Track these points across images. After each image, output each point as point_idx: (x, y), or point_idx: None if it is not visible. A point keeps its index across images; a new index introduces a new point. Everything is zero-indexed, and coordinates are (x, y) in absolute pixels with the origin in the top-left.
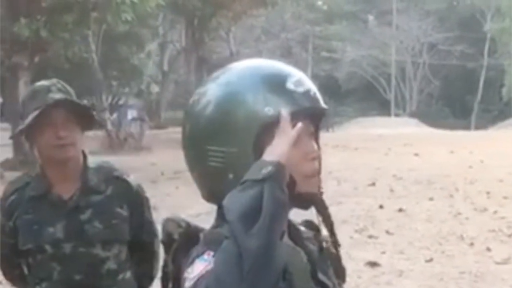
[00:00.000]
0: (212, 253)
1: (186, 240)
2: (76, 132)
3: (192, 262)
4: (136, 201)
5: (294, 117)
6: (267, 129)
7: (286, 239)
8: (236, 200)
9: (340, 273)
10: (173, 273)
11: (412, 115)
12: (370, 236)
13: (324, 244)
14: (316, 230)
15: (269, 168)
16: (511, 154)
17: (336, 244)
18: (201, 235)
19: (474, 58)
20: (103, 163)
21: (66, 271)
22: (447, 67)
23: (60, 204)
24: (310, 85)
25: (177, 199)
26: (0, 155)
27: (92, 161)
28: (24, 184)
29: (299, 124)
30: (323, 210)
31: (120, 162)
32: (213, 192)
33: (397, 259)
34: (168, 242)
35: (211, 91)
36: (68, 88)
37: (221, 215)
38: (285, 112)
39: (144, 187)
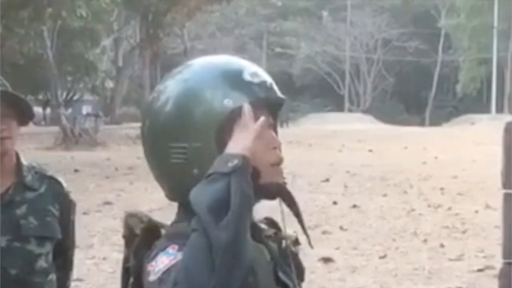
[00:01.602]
0: (176, 247)
1: (147, 235)
2: (13, 125)
3: (155, 256)
4: (66, 204)
5: (253, 108)
6: (229, 122)
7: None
8: (204, 193)
9: (300, 272)
10: (135, 268)
11: (366, 111)
12: (324, 232)
13: (284, 243)
14: (277, 228)
15: (235, 162)
16: (465, 150)
17: (297, 241)
18: (163, 230)
19: (428, 54)
20: (33, 162)
21: (2, 265)
22: (402, 63)
23: None
24: (266, 76)
25: (131, 194)
26: None
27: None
28: None
29: (262, 118)
30: (289, 199)
31: (75, 157)
32: (177, 189)
33: (351, 255)
34: (129, 237)
35: (170, 88)
36: (4, 81)
37: (183, 211)
38: (247, 105)
39: (99, 183)
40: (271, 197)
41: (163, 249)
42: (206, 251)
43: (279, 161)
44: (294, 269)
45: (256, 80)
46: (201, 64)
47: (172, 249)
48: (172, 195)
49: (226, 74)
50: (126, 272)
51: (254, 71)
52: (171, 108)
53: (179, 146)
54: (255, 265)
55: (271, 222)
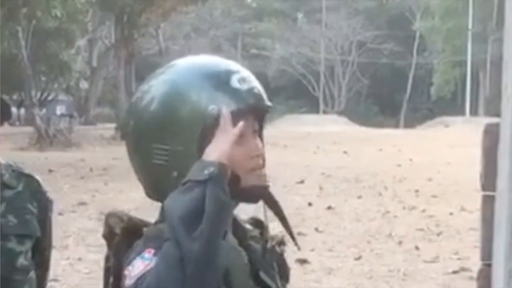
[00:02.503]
0: (153, 251)
1: (127, 235)
2: None
3: (132, 260)
4: (44, 202)
5: (239, 115)
6: (212, 128)
7: (230, 236)
8: (178, 202)
9: (284, 273)
10: (115, 267)
11: (341, 113)
12: (299, 234)
13: (269, 244)
14: (262, 228)
15: (211, 169)
16: (439, 153)
17: (282, 242)
18: (145, 229)
19: (403, 57)
20: (10, 161)
21: None
22: (376, 65)
23: None
24: (255, 83)
25: (106, 195)
26: None
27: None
28: None
29: (241, 123)
30: (271, 203)
31: (49, 158)
32: (156, 189)
33: (326, 257)
34: (109, 236)
35: (155, 88)
36: None
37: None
38: (226, 110)
39: (73, 183)
40: (253, 200)
41: (140, 253)
42: (178, 261)
43: (259, 167)
44: (278, 270)
45: (244, 86)
46: (187, 64)
47: (148, 254)
48: (152, 194)
49: (213, 78)
50: (107, 271)
51: (242, 76)
52: (155, 108)
53: (161, 148)
54: (231, 268)
55: (257, 222)
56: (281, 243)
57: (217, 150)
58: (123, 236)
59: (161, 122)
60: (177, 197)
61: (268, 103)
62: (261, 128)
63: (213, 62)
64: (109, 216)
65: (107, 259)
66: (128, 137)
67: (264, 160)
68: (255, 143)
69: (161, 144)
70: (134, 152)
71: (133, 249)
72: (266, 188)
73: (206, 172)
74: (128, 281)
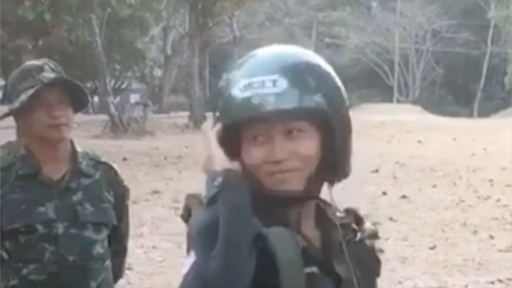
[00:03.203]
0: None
1: None
2: (69, 112)
3: (189, 250)
4: (121, 190)
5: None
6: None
7: (310, 223)
8: (197, 220)
9: (371, 267)
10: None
11: (415, 102)
12: (374, 223)
13: (359, 235)
14: (358, 220)
15: (219, 179)
16: None
17: (374, 235)
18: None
19: (477, 46)
20: (87, 149)
21: (60, 252)
22: (451, 54)
23: (51, 184)
24: (263, 89)
25: (180, 183)
26: (3, 138)
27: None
28: (9, 164)
29: (216, 127)
30: (296, 207)
31: (123, 146)
32: None
33: (401, 246)
34: (187, 218)
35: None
36: (59, 67)
37: None
38: (206, 124)
39: (147, 172)
40: (280, 205)
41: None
42: (200, 283)
43: (278, 171)
44: (364, 263)
45: (245, 94)
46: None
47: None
48: None
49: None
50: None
51: (249, 83)
52: None
53: None
54: (279, 253)
55: (352, 213)
56: (373, 236)
57: (216, 158)
58: None
59: None
60: (197, 215)
61: (270, 109)
62: (291, 130)
63: (293, 53)
64: (188, 197)
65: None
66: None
67: (290, 164)
68: (271, 149)
69: None
70: None
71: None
72: (284, 192)
73: (216, 183)
74: (183, 270)
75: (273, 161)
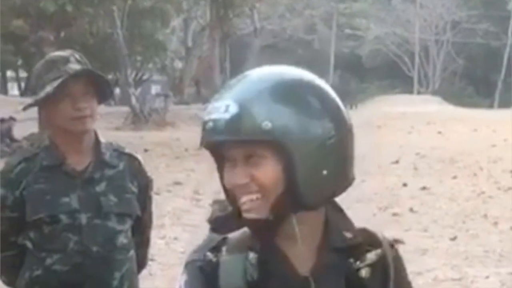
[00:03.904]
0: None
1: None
2: (93, 104)
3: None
4: (144, 181)
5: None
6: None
7: (309, 242)
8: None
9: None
10: None
11: (435, 93)
12: (394, 214)
13: (358, 263)
14: (372, 240)
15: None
16: None
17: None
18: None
19: (498, 37)
20: (111, 140)
21: (83, 242)
22: (471, 45)
23: (75, 175)
24: (217, 114)
25: (201, 175)
26: (26, 129)
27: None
28: (33, 155)
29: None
30: (268, 233)
31: (144, 137)
32: None
33: (421, 237)
34: (211, 222)
35: None
36: (84, 59)
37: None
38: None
39: (169, 163)
40: (252, 232)
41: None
42: None
43: (238, 198)
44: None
45: (205, 118)
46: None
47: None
48: None
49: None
50: None
51: (210, 106)
52: None
53: None
54: None
55: (366, 234)
56: (376, 264)
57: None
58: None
59: None
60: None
61: (218, 138)
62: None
63: (262, 78)
64: (214, 203)
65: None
66: None
67: (244, 191)
68: (224, 175)
69: None
70: None
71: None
72: (247, 221)
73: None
74: None
75: (235, 185)
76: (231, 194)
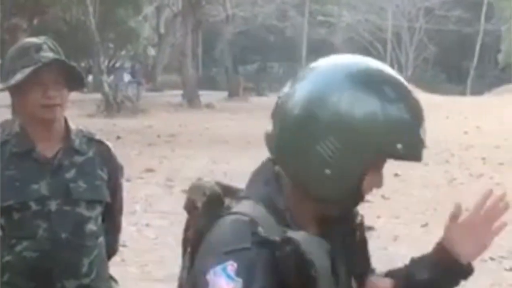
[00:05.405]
0: (235, 266)
1: (209, 208)
2: (63, 92)
3: (214, 267)
4: (115, 167)
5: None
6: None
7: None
8: (241, 246)
9: (365, 262)
10: (194, 239)
11: (408, 80)
12: (366, 200)
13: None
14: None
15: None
16: (506, 120)
17: (369, 227)
18: (227, 200)
19: (470, 23)
20: (81, 127)
21: (53, 229)
22: (444, 32)
23: (44, 162)
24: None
25: (173, 161)
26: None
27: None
28: (3, 142)
29: None
30: None
31: (117, 124)
32: (301, 174)
33: (393, 224)
34: (190, 209)
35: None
36: (58, 47)
37: (261, 185)
38: None
39: (141, 150)
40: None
41: (222, 262)
42: None
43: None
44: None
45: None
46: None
47: (231, 269)
48: (292, 175)
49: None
50: (186, 241)
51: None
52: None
53: (328, 145)
54: (316, 262)
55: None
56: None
57: None
58: (204, 210)
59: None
60: (234, 233)
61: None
62: None
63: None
64: (191, 189)
65: (186, 229)
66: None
67: None
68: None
69: (329, 141)
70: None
71: (211, 240)
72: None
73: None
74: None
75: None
76: (362, 197)
